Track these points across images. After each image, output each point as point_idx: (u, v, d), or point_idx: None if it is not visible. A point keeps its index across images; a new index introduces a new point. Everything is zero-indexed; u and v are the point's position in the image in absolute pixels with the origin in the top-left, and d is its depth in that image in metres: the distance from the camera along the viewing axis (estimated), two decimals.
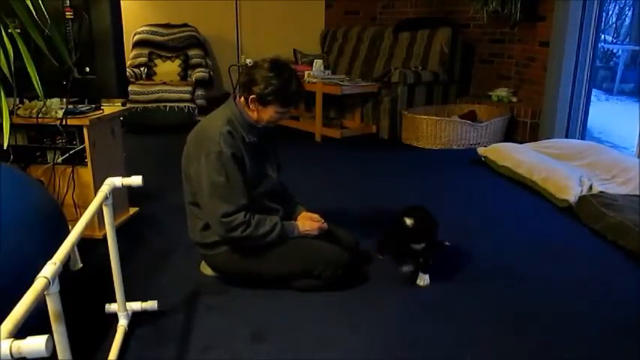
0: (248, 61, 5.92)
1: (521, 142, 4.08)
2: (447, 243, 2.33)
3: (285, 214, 2.12)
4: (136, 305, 1.82)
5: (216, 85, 5.90)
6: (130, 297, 1.79)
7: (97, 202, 1.48)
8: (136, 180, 1.68)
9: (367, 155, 4.31)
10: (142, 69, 5.37)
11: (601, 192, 2.96)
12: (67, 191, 2.44)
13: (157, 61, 5.41)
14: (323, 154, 4.36)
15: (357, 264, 2.19)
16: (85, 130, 2.35)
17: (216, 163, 1.84)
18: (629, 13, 7.92)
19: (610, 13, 7.67)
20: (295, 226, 2.04)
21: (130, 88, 4.87)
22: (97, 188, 2.22)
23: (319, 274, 1.99)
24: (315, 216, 2.14)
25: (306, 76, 5.01)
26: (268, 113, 1.94)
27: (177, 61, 5.44)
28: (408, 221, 1.98)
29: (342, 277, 2.02)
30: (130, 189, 1.92)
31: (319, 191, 3.32)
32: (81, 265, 1.41)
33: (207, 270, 2.15)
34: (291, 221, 2.06)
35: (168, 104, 4.95)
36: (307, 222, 2.08)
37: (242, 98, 1.96)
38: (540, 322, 1.84)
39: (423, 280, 2.08)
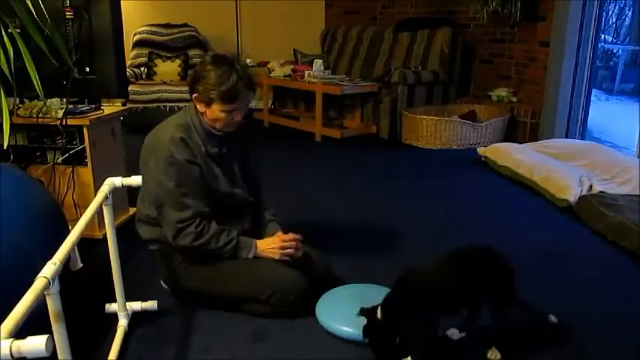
0: (248, 61, 5.92)
1: (521, 142, 4.08)
2: (552, 319, 1.81)
3: (256, 232, 1.96)
4: (136, 305, 1.82)
5: None
6: (130, 297, 1.79)
7: (97, 202, 1.48)
8: (136, 180, 1.69)
9: (367, 155, 4.31)
10: (142, 69, 5.38)
11: (601, 192, 2.95)
12: (67, 191, 2.43)
13: (157, 61, 5.41)
14: (323, 154, 4.36)
15: (318, 292, 1.92)
16: (85, 130, 2.35)
17: (166, 168, 1.72)
18: (629, 13, 7.91)
19: (610, 13, 7.67)
20: (252, 245, 1.83)
21: (130, 88, 4.86)
22: (97, 188, 2.22)
23: (266, 300, 1.80)
24: (288, 237, 1.87)
25: (306, 76, 5.01)
26: (214, 113, 1.75)
27: (178, 61, 5.44)
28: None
29: (296, 304, 1.81)
30: (130, 189, 1.91)
31: (319, 192, 3.32)
32: (81, 265, 1.40)
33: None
34: (250, 239, 1.85)
35: (169, 104, 4.94)
36: (270, 244, 1.85)
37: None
38: (540, 321, 1.84)
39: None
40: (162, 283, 2.03)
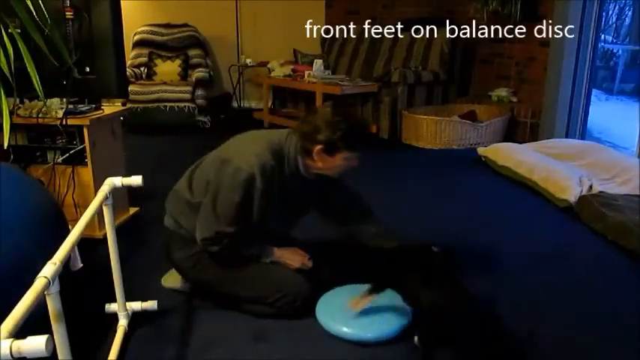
0: (248, 61, 5.93)
1: (521, 142, 4.08)
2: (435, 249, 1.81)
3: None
4: (136, 305, 1.82)
5: (216, 85, 5.90)
6: (130, 297, 1.79)
7: (97, 202, 1.48)
8: (136, 180, 1.68)
9: (367, 155, 4.29)
10: (142, 69, 5.38)
11: (601, 192, 2.95)
12: (67, 191, 2.43)
13: (157, 61, 5.41)
14: None
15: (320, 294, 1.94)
16: (85, 130, 2.35)
17: (242, 183, 1.69)
18: (629, 13, 7.91)
19: (610, 13, 7.66)
20: (271, 251, 1.86)
21: (130, 88, 4.86)
22: (97, 188, 2.22)
23: (273, 302, 1.82)
24: (308, 261, 1.92)
25: (306, 76, 5.01)
26: (335, 162, 1.77)
27: (178, 61, 5.44)
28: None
29: (302, 307, 1.84)
30: (130, 189, 1.92)
31: None
32: (81, 265, 1.41)
33: (167, 282, 2.07)
34: (270, 246, 1.88)
35: (168, 104, 4.95)
36: (292, 256, 1.89)
37: (302, 150, 1.77)
38: (540, 322, 1.84)
39: None
40: (163, 283, 2.03)
